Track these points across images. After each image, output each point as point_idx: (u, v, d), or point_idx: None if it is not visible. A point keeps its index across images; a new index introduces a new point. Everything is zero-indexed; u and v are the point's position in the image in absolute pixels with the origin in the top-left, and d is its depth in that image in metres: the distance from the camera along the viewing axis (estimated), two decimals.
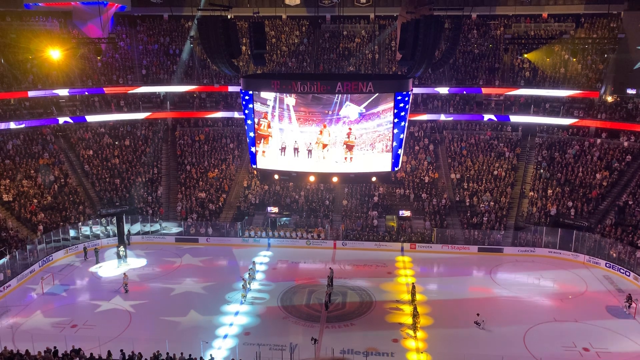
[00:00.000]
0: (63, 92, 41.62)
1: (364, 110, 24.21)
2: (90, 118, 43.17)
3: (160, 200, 40.58)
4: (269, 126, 25.26)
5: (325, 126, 24.65)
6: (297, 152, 25.33)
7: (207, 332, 25.08)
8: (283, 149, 25.44)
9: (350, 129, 24.66)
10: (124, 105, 44.55)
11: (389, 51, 46.75)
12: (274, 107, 24.69)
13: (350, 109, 24.28)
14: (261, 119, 25.27)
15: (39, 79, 41.37)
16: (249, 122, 25.84)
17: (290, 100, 24.33)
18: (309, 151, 25.18)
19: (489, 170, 40.55)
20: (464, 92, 43.29)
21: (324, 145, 25.00)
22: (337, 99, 23.98)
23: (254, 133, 25.81)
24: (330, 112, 24.33)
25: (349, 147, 24.95)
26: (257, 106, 25.11)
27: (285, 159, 25.72)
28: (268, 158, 26.10)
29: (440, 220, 37.44)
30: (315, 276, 31.77)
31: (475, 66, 44.51)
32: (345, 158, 25.23)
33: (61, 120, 41.84)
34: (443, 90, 43.07)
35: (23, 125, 40.35)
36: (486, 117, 42.83)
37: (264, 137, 25.63)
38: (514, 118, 42.59)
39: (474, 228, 36.80)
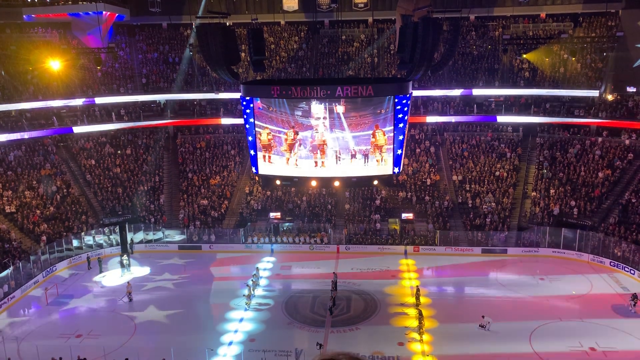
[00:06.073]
0: (64, 102, 41.81)
1: None
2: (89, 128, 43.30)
3: (163, 208, 40.59)
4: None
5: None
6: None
7: (212, 340, 25.00)
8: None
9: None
10: (125, 114, 44.67)
11: (388, 55, 46.80)
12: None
13: None
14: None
15: (40, 90, 41.49)
16: (253, 131, 25.52)
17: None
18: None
19: (490, 172, 40.51)
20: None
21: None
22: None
23: (256, 142, 25.67)
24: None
25: None
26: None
27: (288, 165, 25.63)
28: (270, 164, 26.04)
29: (443, 222, 37.39)
30: (319, 281, 31.69)
31: (474, 67, 44.54)
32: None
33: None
34: (447, 92, 43.13)
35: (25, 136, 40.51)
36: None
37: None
38: (514, 119, 42.66)
39: (477, 229, 36.73)
